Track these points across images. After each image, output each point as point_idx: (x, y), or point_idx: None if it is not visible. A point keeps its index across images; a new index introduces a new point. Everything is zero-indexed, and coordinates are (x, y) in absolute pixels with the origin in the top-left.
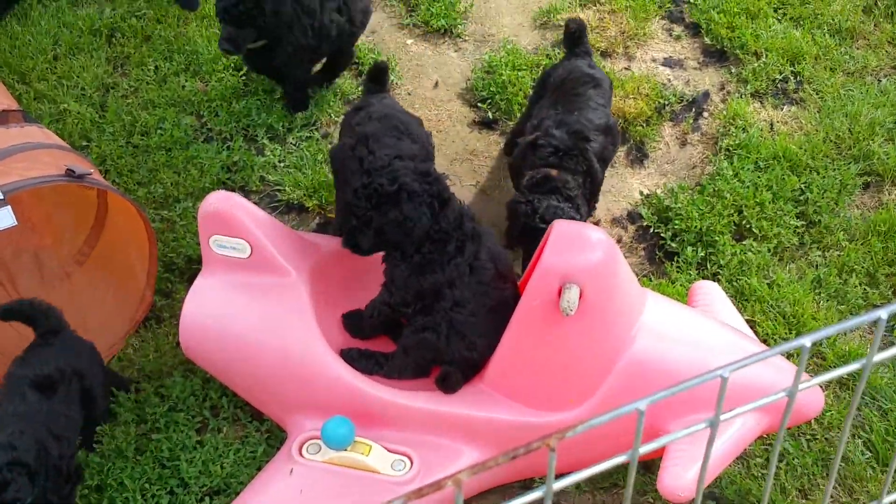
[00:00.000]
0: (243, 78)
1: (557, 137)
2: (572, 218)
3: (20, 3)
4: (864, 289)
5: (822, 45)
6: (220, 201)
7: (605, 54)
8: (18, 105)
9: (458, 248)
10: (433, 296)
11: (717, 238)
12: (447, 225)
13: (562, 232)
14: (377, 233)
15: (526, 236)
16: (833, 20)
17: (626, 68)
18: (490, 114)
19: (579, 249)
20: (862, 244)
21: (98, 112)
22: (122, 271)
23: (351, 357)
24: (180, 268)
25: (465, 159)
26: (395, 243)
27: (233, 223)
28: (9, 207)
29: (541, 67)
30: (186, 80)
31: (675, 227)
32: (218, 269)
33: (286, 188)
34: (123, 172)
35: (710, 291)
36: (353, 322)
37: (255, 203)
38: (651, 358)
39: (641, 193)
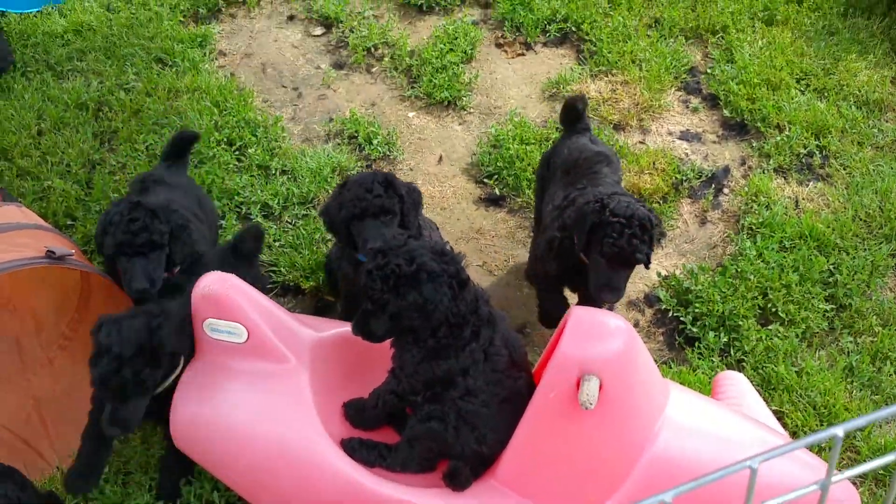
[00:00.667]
0: (236, 153)
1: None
2: (647, 220)
3: (2, 75)
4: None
5: (848, 117)
6: (214, 282)
7: (618, 127)
8: None
9: (474, 332)
10: (444, 384)
11: (740, 323)
12: (464, 308)
13: (580, 319)
14: (393, 317)
15: (595, 234)
16: (860, 91)
17: (640, 142)
18: (497, 190)
19: (598, 338)
20: None
21: (84, 189)
22: None
23: (352, 448)
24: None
25: (471, 238)
26: (412, 328)
27: (228, 306)
28: None
29: (550, 141)
30: None
31: (696, 310)
32: (212, 354)
33: (281, 269)
34: None
35: (736, 382)
36: (356, 411)
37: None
38: (675, 455)
39: (659, 275)
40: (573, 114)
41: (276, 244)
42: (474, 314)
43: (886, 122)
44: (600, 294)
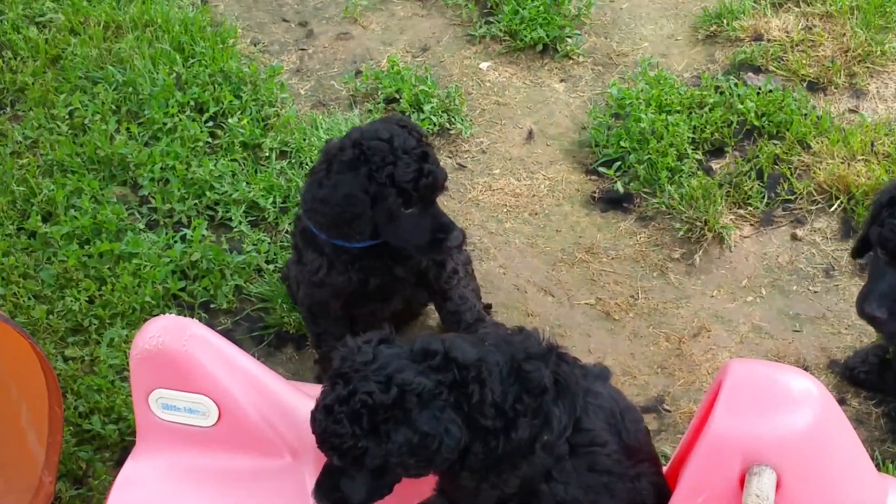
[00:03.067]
0: (209, 125)
1: None
2: None
3: None
4: None
5: None
6: (167, 332)
7: (814, 86)
8: None
9: (536, 413)
10: (527, 495)
11: None
12: (509, 393)
13: (742, 378)
14: (377, 472)
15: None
16: None
17: (851, 110)
18: (620, 185)
19: (773, 408)
20: None
21: None
22: (7, 441)
23: None
24: (103, 438)
25: (578, 261)
26: (417, 473)
27: (188, 369)
28: None
29: (707, 107)
30: (119, 126)
31: None
32: (163, 443)
33: (276, 306)
34: (12, 279)
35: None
36: None
37: (225, 333)
38: None
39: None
40: None
41: (270, 267)
42: (530, 392)
43: None
44: None
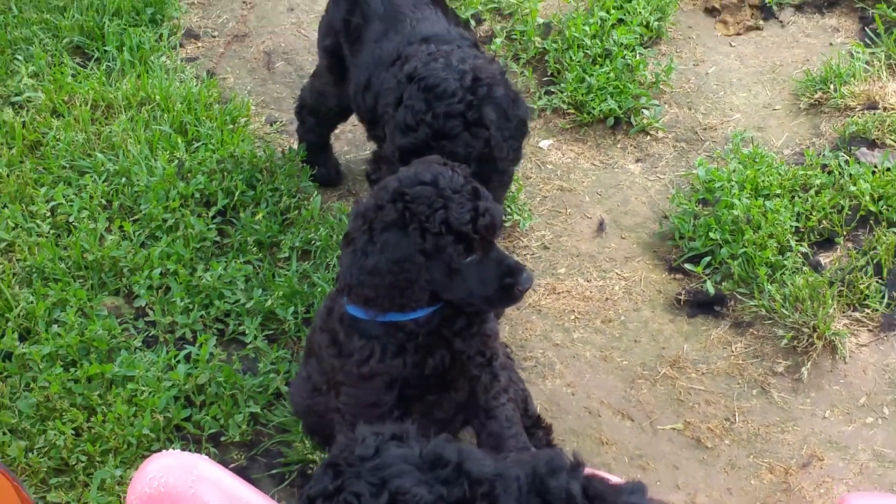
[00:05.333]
0: (217, 221)
1: None
2: None
3: None
4: None
5: None
6: (170, 472)
7: None
8: None
9: None
10: None
11: None
12: None
13: None
14: None
15: None
16: None
17: None
18: (710, 284)
19: None
20: None
21: None
22: None
23: None
24: None
25: (662, 377)
26: None
27: None
28: None
29: (812, 189)
30: (110, 225)
31: None
32: None
33: (299, 440)
34: None
35: None
36: None
37: (239, 471)
38: None
39: None
40: None
41: (287, 390)
42: None
43: None
44: None
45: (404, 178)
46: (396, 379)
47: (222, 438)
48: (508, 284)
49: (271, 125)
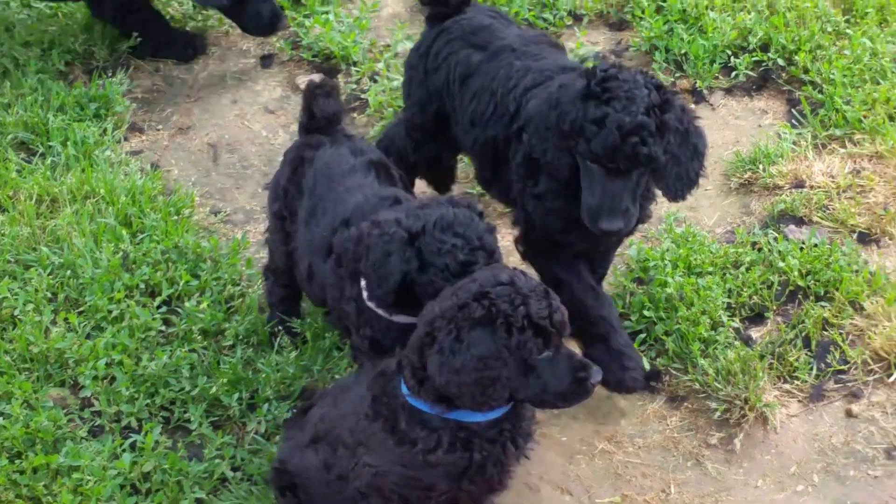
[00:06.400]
0: (163, 311)
1: None
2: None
3: None
4: None
5: None
6: None
7: (865, 237)
8: None
9: None
10: None
11: None
12: None
13: None
14: None
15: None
16: None
17: None
18: (645, 361)
19: None
20: None
21: None
22: None
23: None
24: None
25: (599, 452)
26: None
27: None
28: None
29: (743, 266)
30: (55, 317)
31: None
32: None
33: None
34: None
35: None
36: None
37: None
38: None
39: None
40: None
41: (237, 475)
42: None
43: None
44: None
45: (483, 280)
46: (460, 471)
47: None
48: (581, 378)
49: (215, 215)
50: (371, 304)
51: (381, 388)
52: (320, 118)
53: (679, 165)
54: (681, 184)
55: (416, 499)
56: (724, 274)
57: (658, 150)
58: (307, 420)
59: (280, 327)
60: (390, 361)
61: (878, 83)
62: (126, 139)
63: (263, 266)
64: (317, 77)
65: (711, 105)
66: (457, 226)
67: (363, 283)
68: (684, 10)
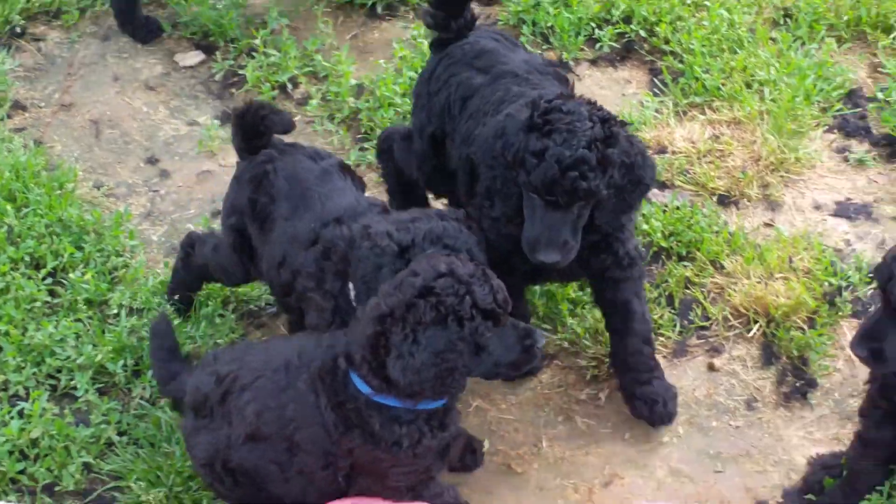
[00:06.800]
0: (48, 282)
1: None
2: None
3: None
4: None
5: None
6: None
7: (725, 200)
8: None
9: None
10: None
11: None
12: None
13: None
14: None
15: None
16: None
17: (766, 224)
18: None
19: None
20: None
21: None
22: None
23: None
24: None
25: (474, 409)
26: None
27: None
28: None
29: None
30: None
31: None
32: None
33: (132, 483)
34: None
35: None
36: None
37: None
38: None
39: (811, 458)
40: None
41: (122, 440)
42: None
43: None
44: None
45: (424, 273)
46: (445, 447)
47: (56, 488)
48: (528, 346)
49: (98, 189)
50: (359, 306)
51: (332, 390)
52: (269, 135)
53: (620, 198)
54: (615, 213)
55: (420, 482)
56: None
57: (599, 185)
58: (238, 411)
59: (166, 298)
60: (323, 354)
61: (736, 52)
62: (9, 116)
63: (184, 244)
64: (246, 101)
65: (578, 76)
66: (446, 238)
67: (351, 285)
68: None
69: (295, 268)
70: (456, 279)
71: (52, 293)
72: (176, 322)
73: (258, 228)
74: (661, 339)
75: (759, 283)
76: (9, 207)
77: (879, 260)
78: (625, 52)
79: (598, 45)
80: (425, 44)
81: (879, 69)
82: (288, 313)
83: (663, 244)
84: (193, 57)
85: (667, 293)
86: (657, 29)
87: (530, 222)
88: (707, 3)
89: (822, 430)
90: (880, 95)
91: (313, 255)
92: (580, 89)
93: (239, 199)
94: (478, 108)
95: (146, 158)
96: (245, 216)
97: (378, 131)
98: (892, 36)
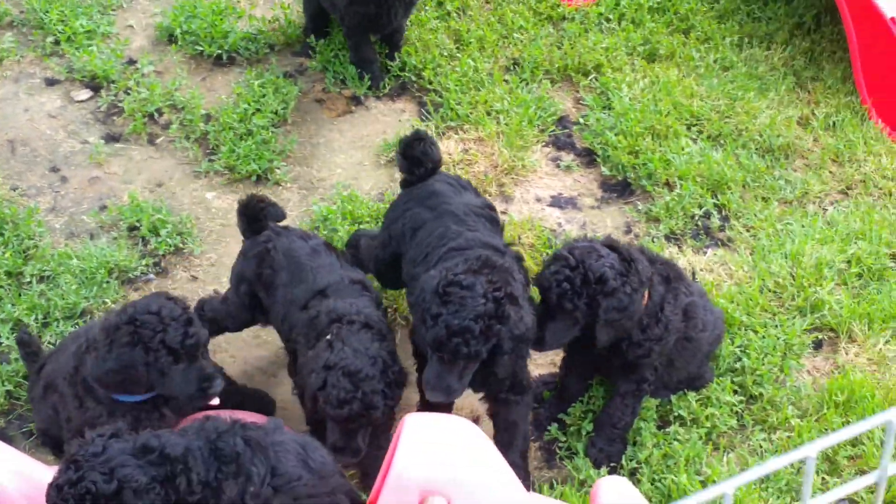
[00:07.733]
0: None
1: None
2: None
3: None
4: (823, 477)
5: (749, 168)
6: None
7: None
8: None
9: (242, 479)
10: None
11: (635, 425)
12: (214, 471)
13: (416, 426)
14: None
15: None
16: (761, 136)
17: (502, 212)
18: None
19: (441, 448)
20: (816, 420)
21: None
22: None
23: None
24: None
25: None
26: None
27: None
28: None
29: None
30: None
31: (577, 413)
32: None
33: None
34: None
35: (621, 491)
36: None
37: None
38: None
39: (535, 377)
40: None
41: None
42: (226, 461)
43: (794, 170)
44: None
45: (140, 307)
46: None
47: None
48: (205, 387)
49: (14, 191)
50: None
51: (78, 358)
52: (266, 220)
53: (512, 352)
54: (510, 364)
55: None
56: (378, 221)
57: (481, 349)
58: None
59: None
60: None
61: (479, 90)
62: None
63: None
64: (248, 195)
65: (366, 107)
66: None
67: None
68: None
69: (291, 323)
70: (159, 319)
71: None
72: (73, 287)
73: (265, 292)
74: None
75: None
76: None
77: (574, 242)
78: (400, 90)
79: (381, 85)
80: (256, 84)
81: (581, 101)
82: (289, 353)
83: None
84: (84, 94)
85: None
86: (424, 73)
87: (428, 366)
88: (459, 55)
89: (543, 357)
90: (581, 120)
91: (304, 318)
92: (368, 116)
93: (246, 270)
94: (422, 239)
95: (50, 168)
96: (254, 284)
97: (222, 147)
98: (589, 78)
